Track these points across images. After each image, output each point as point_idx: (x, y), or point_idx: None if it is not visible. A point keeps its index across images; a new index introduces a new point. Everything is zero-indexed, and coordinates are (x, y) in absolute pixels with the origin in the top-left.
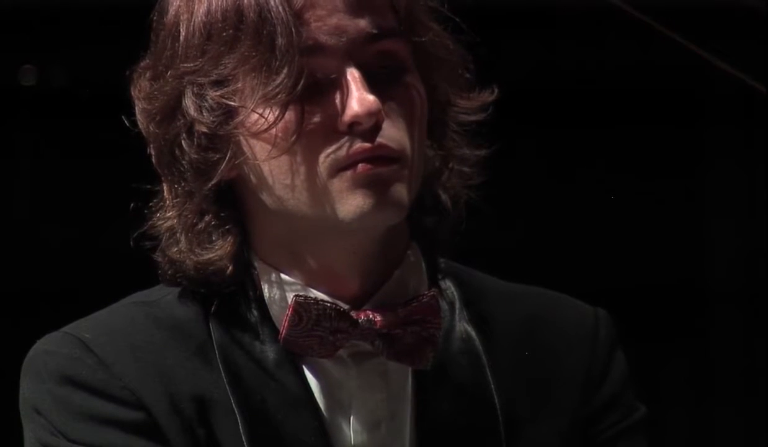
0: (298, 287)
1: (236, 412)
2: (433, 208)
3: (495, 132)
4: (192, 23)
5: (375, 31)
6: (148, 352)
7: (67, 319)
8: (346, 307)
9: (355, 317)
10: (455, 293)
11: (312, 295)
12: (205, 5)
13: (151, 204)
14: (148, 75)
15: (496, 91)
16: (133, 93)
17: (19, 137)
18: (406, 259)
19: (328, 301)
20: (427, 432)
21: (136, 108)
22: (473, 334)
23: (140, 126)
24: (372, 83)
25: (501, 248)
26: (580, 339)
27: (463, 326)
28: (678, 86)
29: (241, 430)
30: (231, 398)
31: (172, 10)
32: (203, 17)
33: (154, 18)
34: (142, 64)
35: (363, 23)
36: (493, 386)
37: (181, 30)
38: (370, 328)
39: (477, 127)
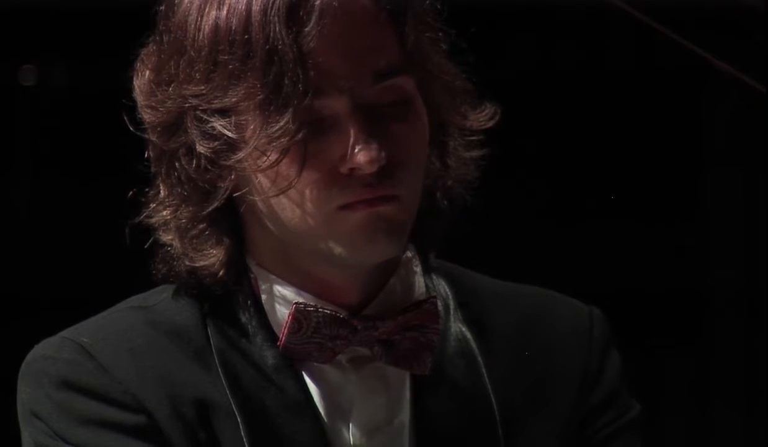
0: (297, 293)
1: (237, 415)
2: (430, 209)
3: (494, 133)
4: (197, 41)
5: (382, 71)
6: (147, 356)
7: (64, 322)
8: (345, 314)
9: (354, 324)
10: (449, 293)
11: (312, 303)
12: (213, 20)
13: (147, 190)
14: (150, 75)
15: (498, 112)
16: (135, 83)
17: (19, 137)
18: (403, 262)
19: (327, 309)
20: (425, 435)
21: (138, 103)
22: (468, 335)
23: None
24: (376, 120)
25: (500, 250)
26: (574, 338)
27: (458, 327)
28: (678, 86)
29: (242, 434)
30: (231, 401)
31: (180, 13)
32: (210, 36)
33: (161, 10)
34: (145, 51)
35: (370, 64)
36: (489, 387)
37: (187, 45)
38: (369, 334)
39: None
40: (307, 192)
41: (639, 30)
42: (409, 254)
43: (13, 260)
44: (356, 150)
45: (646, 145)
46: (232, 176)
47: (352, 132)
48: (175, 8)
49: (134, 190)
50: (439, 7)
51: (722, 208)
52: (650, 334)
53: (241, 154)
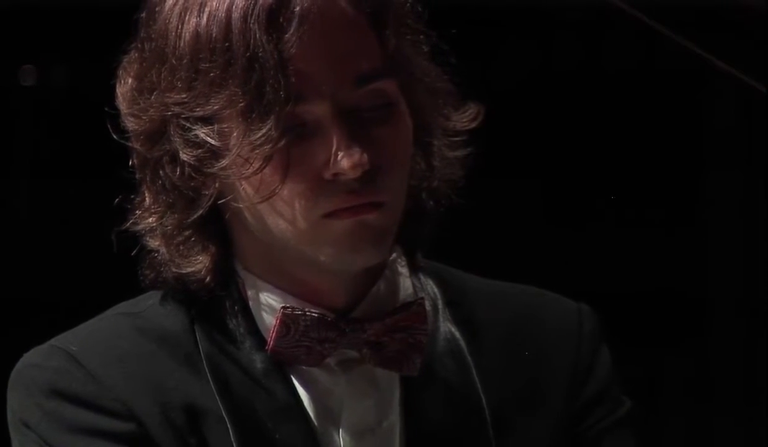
0: (285, 297)
1: (227, 420)
2: (416, 210)
3: (491, 134)
4: (178, 49)
5: (364, 76)
6: (136, 363)
7: (62, 325)
8: (332, 317)
9: (342, 327)
10: (437, 293)
11: (299, 307)
12: (193, 27)
13: (133, 197)
14: (132, 83)
15: (482, 112)
16: (117, 90)
17: (19, 137)
18: (390, 264)
19: (315, 312)
20: (416, 436)
21: (121, 111)
22: (457, 334)
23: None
24: (359, 125)
25: (501, 252)
26: (564, 335)
27: (447, 327)
28: (678, 86)
29: (232, 439)
30: (221, 407)
31: (160, 21)
32: (191, 44)
33: (142, 17)
34: (127, 59)
35: (352, 68)
36: (479, 387)
37: (168, 53)
38: (357, 336)
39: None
40: (292, 199)
41: (639, 30)
42: (395, 256)
43: (10, 262)
44: (339, 155)
45: (645, 146)
46: (216, 184)
47: (334, 137)
48: (156, 15)
49: (120, 196)
50: (420, 9)
51: (722, 208)
52: (650, 334)
53: (224, 162)
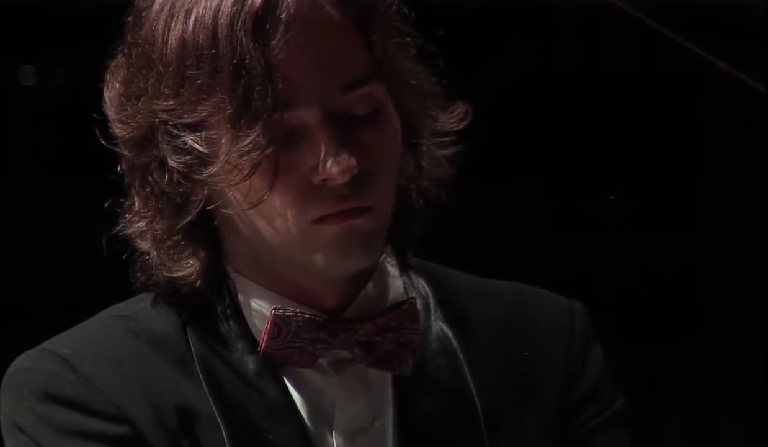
0: (276, 298)
1: (220, 422)
2: (406, 209)
3: (489, 134)
4: (165, 56)
5: (351, 81)
6: (129, 366)
7: (48, 330)
8: (324, 317)
9: (334, 327)
10: (429, 292)
11: (291, 308)
12: (179, 33)
13: (123, 200)
14: (120, 89)
15: (470, 112)
16: (105, 95)
17: (19, 137)
18: (382, 264)
19: (306, 313)
20: (408, 436)
21: (109, 117)
22: (449, 332)
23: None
24: (347, 129)
25: (498, 250)
26: (556, 333)
27: (438, 325)
28: (678, 86)
29: (226, 441)
30: (214, 409)
31: (147, 26)
32: (177, 50)
33: (128, 21)
34: (114, 63)
35: (339, 74)
36: (472, 385)
37: (154, 59)
38: (349, 337)
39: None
40: (281, 205)
41: (639, 30)
42: (385, 255)
43: (9, 262)
44: (328, 161)
45: (645, 146)
46: (205, 190)
47: (323, 143)
48: (142, 20)
49: (111, 199)
50: (406, 10)
51: (722, 208)
52: (650, 334)
53: (212, 169)
